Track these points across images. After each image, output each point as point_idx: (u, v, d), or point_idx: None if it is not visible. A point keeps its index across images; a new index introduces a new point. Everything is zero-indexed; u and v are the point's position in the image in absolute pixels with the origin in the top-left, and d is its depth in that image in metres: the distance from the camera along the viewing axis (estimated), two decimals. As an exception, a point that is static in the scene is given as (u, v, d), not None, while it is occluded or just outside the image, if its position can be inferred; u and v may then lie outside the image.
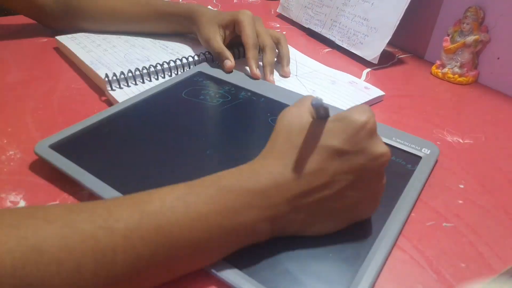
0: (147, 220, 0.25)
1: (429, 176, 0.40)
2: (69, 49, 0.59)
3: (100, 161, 0.38)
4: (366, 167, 0.29)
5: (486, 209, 0.37)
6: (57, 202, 0.35)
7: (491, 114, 0.52)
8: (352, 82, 0.56)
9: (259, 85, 0.52)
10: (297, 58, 0.63)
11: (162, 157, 0.39)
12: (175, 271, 0.27)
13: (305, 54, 0.66)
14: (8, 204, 0.35)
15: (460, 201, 0.37)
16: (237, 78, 0.53)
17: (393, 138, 0.43)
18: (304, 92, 0.53)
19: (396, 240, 0.32)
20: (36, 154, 0.39)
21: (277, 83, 0.54)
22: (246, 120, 0.46)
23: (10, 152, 0.41)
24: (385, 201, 0.33)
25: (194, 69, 0.55)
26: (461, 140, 0.46)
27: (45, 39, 0.68)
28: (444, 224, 0.35)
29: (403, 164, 0.40)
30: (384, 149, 0.30)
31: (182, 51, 0.62)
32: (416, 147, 0.42)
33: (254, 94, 0.50)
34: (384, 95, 0.55)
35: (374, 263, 0.29)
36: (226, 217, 0.27)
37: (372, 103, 0.53)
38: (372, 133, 0.29)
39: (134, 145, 0.41)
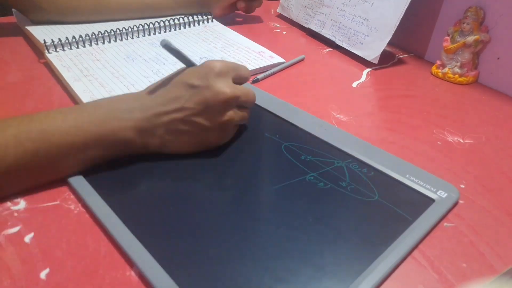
0: (34, 124, 0.34)
1: (439, 222, 0.34)
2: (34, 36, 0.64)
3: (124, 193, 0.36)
4: (209, 100, 0.38)
5: (487, 209, 0.37)
6: (58, 202, 0.35)
7: (492, 114, 0.52)
8: (260, 52, 0.66)
9: (289, 111, 0.49)
10: (226, 33, 0.72)
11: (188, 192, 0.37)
12: (56, 168, 0.36)
13: (305, 54, 0.66)
14: (8, 204, 0.35)
15: (461, 201, 0.37)
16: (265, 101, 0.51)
17: (407, 175, 0.38)
18: (215, 57, 0.63)
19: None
20: None
21: (203, 43, 0.67)
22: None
23: (10, 152, 0.41)
24: (375, 249, 0.31)
25: None
26: (461, 140, 0.46)
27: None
28: (445, 224, 0.35)
29: (401, 213, 0.34)
30: (226, 89, 0.38)
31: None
32: (432, 188, 0.37)
33: (282, 119, 0.47)
34: (284, 61, 0.63)
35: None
36: (97, 124, 0.36)
37: (272, 67, 0.61)
38: (220, 74, 0.39)
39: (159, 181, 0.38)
